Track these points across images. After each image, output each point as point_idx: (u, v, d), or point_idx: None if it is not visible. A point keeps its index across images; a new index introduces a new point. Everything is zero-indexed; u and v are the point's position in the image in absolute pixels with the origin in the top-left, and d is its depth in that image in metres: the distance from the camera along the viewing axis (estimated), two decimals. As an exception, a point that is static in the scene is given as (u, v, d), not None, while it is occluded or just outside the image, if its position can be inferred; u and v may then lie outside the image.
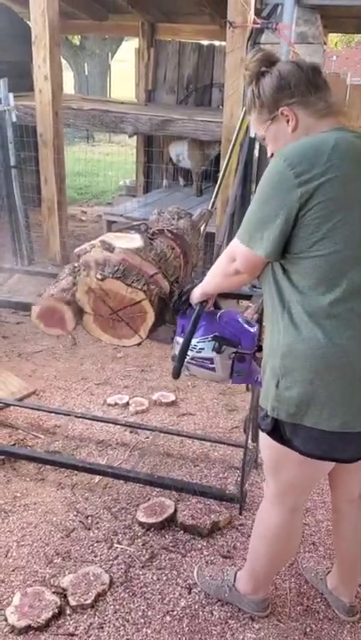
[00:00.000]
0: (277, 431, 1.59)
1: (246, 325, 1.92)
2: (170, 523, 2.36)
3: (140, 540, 2.28)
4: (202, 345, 1.89)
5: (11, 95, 4.79)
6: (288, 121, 1.56)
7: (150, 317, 2.06)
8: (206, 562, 2.20)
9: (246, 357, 1.88)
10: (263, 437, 1.67)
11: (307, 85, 1.54)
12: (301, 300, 1.48)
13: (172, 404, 3.26)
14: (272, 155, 1.62)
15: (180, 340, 1.90)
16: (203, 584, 2.07)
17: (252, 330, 1.91)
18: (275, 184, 1.44)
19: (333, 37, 16.07)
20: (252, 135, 4.40)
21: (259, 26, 4.17)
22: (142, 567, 2.16)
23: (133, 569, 2.15)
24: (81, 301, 2.08)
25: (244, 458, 2.37)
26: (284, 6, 4.12)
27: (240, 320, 1.94)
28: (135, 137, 6.51)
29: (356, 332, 1.45)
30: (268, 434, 1.61)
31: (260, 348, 1.88)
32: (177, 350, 1.90)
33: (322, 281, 1.45)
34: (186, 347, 1.84)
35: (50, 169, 5.01)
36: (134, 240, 2.13)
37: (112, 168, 9.06)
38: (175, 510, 2.38)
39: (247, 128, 4.37)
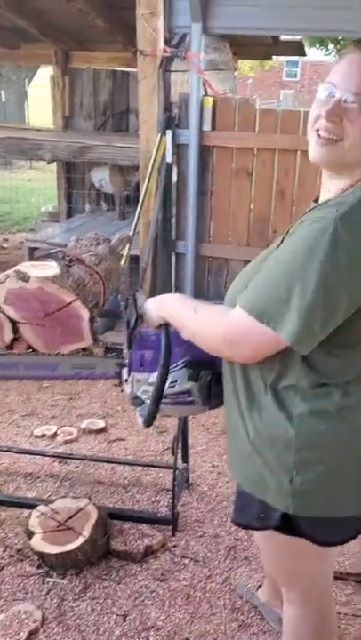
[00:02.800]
0: (285, 524, 1.36)
1: None
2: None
3: (72, 571, 2.24)
4: (173, 377, 1.53)
5: None
6: None
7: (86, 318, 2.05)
8: (140, 587, 2.19)
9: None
10: (266, 538, 1.45)
11: None
12: (331, 388, 1.27)
13: (102, 430, 3.24)
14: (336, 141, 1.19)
15: (140, 376, 1.54)
16: None
17: None
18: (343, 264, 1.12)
19: (248, 62, 16.70)
20: (169, 160, 4.50)
21: (168, 54, 4.29)
22: (76, 599, 2.13)
23: (67, 602, 2.11)
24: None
25: (174, 479, 2.39)
26: (192, 35, 4.26)
27: None
28: (55, 165, 6.49)
29: None
30: (276, 528, 1.38)
31: None
32: (139, 390, 1.55)
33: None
34: (163, 383, 1.48)
35: (-33, 198, 4.91)
36: (51, 268, 2.13)
37: (34, 194, 8.97)
38: (108, 537, 2.36)
39: (164, 153, 4.46)
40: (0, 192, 8.77)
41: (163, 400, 1.50)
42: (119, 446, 3.11)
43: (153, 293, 4.91)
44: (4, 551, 2.34)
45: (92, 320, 2.20)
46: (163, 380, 1.47)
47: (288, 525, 1.34)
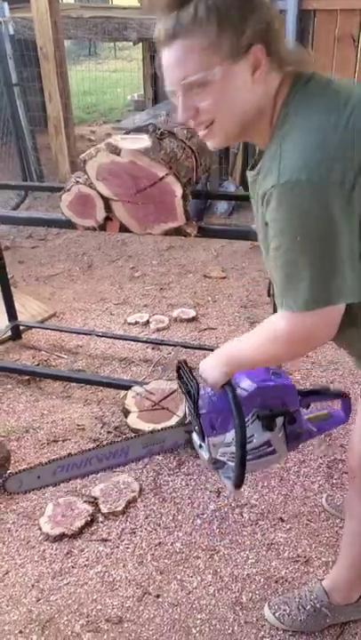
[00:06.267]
0: None
1: (279, 379, 1.52)
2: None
3: (167, 450, 2.29)
4: (248, 431, 1.45)
5: (5, 5, 4.51)
6: (255, 69, 1.06)
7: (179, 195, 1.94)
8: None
9: (296, 415, 1.51)
10: None
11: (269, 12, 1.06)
12: None
13: (193, 319, 3.22)
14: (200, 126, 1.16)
15: (214, 439, 1.45)
16: (287, 624, 1.69)
17: (287, 381, 1.51)
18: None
19: None
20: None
21: None
22: (171, 474, 2.18)
23: (162, 476, 2.17)
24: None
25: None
26: None
27: (269, 375, 1.51)
28: (141, 46, 6.16)
29: None
30: None
31: (304, 394, 1.54)
32: (216, 453, 1.47)
33: None
34: (244, 443, 1.40)
35: (53, 84, 4.78)
36: (142, 141, 2.00)
37: (119, 84, 8.66)
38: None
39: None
40: (86, 84, 8.51)
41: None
42: (210, 335, 3.08)
43: (243, 180, 4.69)
44: (102, 427, 2.42)
45: (184, 197, 2.08)
46: (243, 440, 1.38)
47: None
